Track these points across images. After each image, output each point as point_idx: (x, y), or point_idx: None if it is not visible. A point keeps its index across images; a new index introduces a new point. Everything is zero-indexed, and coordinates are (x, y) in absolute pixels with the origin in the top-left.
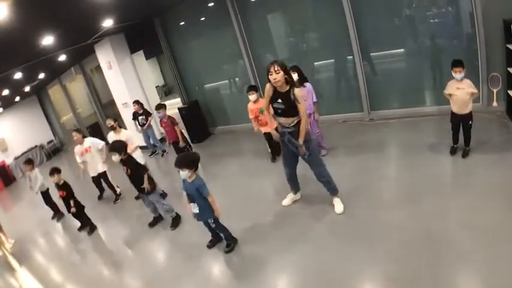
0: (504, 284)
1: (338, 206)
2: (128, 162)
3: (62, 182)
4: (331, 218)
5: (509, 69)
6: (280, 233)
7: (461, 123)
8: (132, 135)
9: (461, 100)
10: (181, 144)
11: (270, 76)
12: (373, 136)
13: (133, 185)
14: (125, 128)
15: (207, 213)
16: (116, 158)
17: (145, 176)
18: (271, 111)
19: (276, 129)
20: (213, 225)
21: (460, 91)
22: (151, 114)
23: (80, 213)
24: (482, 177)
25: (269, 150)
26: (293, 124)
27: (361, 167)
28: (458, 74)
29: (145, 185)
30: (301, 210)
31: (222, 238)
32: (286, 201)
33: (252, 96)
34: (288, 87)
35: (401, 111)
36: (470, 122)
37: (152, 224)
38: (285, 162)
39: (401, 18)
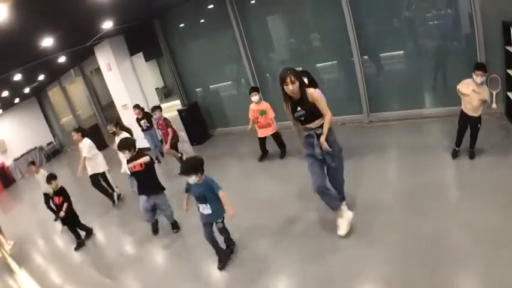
0: (504, 286)
1: (346, 214)
2: (139, 158)
3: (58, 187)
4: (331, 220)
5: (508, 71)
6: (281, 234)
7: (469, 125)
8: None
9: (474, 103)
10: (167, 147)
11: (285, 86)
12: (373, 138)
13: (143, 184)
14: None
15: (217, 214)
16: (126, 155)
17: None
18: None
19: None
20: (220, 226)
21: (475, 95)
22: (152, 116)
23: (72, 221)
24: (482, 179)
25: (261, 152)
26: (320, 125)
27: (362, 169)
28: (479, 77)
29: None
30: (301, 212)
31: (227, 253)
32: (344, 229)
33: (255, 98)
34: (300, 93)
35: (400, 113)
36: (478, 125)
37: (155, 231)
38: (312, 173)
39: (401, 20)
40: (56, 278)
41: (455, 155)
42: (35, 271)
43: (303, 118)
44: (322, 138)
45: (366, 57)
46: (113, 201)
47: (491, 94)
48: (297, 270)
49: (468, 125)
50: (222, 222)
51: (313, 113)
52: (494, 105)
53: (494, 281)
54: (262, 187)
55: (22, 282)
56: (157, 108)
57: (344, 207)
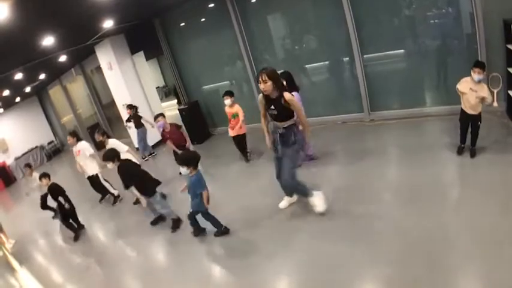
0: (505, 285)
1: (317, 205)
2: (120, 169)
3: (49, 184)
4: (331, 220)
5: (509, 69)
6: (280, 234)
7: (470, 123)
8: (117, 143)
9: (471, 101)
10: (188, 145)
11: (259, 85)
12: (374, 137)
13: (136, 187)
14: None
15: (197, 206)
16: (110, 165)
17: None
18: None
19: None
20: (204, 217)
21: (472, 93)
22: (141, 117)
23: (72, 216)
24: (483, 178)
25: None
26: (285, 126)
27: (362, 168)
28: (476, 75)
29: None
30: (300, 212)
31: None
32: (283, 204)
33: (227, 101)
34: (277, 94)
35: (401, 112)
36: (479, 123)
37: (154, 223)
38: (275, 165)
39: (402, 18)
40: (56, 276)
41: (460, 151)
42: (36, 270)
43: (273, 116)
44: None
45: (366, 56)
46: (102, 197)
47: (493, 92)
48: (294, 270)
49: (469, 122)
50: (204, 215)
51: (285, 114)
52: (495, 104)
53: (495, 280)
54: (261, 186)
55: (23, 281)
56: (160, 115)
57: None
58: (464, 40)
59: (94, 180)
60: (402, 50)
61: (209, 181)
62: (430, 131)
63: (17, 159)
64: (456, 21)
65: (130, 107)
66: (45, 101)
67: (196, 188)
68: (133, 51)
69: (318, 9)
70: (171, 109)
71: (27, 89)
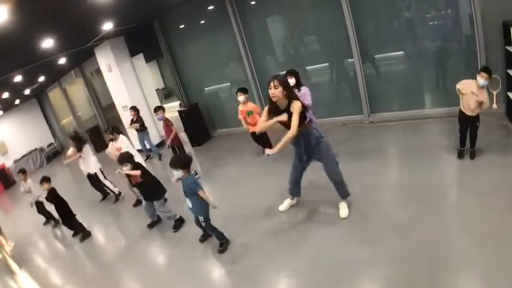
0: (505, 285)
1: (343, 210)
2: (137, 169)
3: (49, 189)
4: (332, 221)
5: (508, 71)
6: (280, 236)
7: (468, 124)
8: (126, 140)
9: (471, 104)
10: (168, 143)
11: (269, 90)
12: (374, 139)
13: (142, 191)
14: (124, 132)
15: (199, 210)
16: (128, 168)
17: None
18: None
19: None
20: (203, 224)
21: (472, 96)
22: (146, 127)
23: (69, 220)
24: (483, 179)
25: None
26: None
27: (362, 169)
28: (483, 80)
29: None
30: (301, 213)
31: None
32: (283, 207)
33: (241, 98)
34: (287, 102)
35: (401, 114)
36: (477, 124)
37: (151, 226)
38: (295, 164)
39: (401, 20)
40: (56, 279)
41: (460, 155)
42: (35, 272)
43: (284, 126)
44: (278, 145)
45: (366, 57)
46: (103, 197)
47: (492, 94)
48: (295, 271)
49: (467, 124)
50: (205, 221)
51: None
52: (494, 106)
53: (495, 281)
54: (262, 188)
55: (23, 284)
56: (160, 108)
57: (343, 202)
58: (463, 42)
59: (94, 178)
60: (402, 52)
61: (209, 183)
62: (430, 132)
63: (16, 161)
64: (455, 23)
65: (135, 109)
66: (45, 103)
67: (194, 189)
68: (133, 53)
69: (318, 12)
70: (171, 111)
71: (27, 92)
